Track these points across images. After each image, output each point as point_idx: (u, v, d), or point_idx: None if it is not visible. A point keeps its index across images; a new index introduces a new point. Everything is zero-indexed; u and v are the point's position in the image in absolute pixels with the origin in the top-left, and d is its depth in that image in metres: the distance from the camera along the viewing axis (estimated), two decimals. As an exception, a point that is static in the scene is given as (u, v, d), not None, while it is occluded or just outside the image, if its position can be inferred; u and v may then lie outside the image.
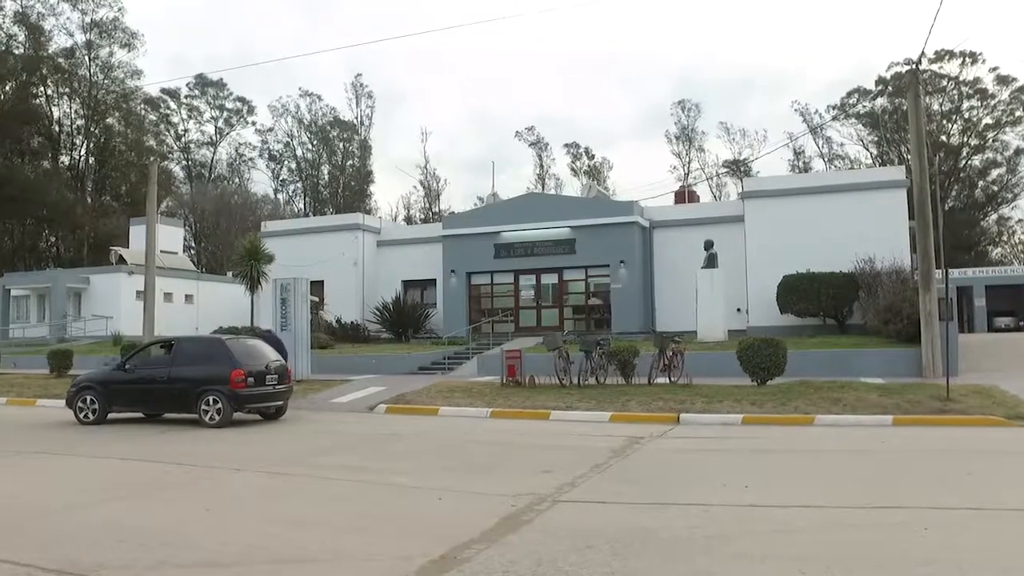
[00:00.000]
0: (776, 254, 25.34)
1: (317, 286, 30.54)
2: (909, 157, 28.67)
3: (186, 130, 69.32)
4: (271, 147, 71.20)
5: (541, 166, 71.33)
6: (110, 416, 14.11)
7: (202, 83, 66.95)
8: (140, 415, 14.63)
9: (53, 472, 9.29)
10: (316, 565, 5.25)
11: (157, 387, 13.67)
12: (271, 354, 14.48)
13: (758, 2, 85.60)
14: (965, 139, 59.22)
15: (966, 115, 58.66)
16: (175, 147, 69.07)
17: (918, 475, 8.24)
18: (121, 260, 39.75)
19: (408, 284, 33.23)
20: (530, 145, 71.24)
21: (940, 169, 51.91)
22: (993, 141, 58.70)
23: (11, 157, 56.89)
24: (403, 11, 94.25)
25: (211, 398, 13.12)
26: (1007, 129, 57.98)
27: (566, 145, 72.11)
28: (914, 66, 22.00)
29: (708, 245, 24.41)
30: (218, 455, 10.16)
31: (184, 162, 70.18)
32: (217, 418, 13.04)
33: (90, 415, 13.91)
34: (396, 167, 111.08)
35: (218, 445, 11.20)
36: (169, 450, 10.71)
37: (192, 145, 70.17)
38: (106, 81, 59.81)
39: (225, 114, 69.76)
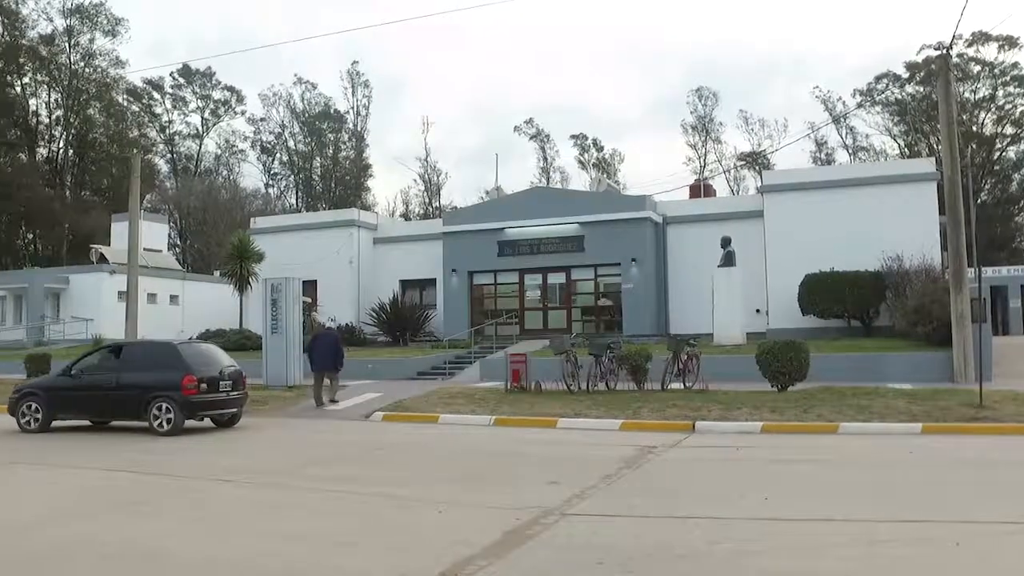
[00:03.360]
0: (797, 251, 25.27)
1: (310, 286, 30.51)
2: (939, 148, 28.58)
3: (170, 121, 69.49)
4: (263, 138, 71.35)
5: (545, 159, 71.17)
6: (54, 424, 14.07)
7: (187, 71, 67.04)
8: (87, 423, 14.63)
9: (10, 484, 9.28)
10: (309, 582, 5.25)
11: (104, 394, 13.70)
12: (224, 359, 14.67)
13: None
14: (999, 129, 58.96)
15: (1001, 103, 58.40)
16: (159, 139, 69.20)
17: (949, 487, 8.20)
18: (102, 259, 39.83)
19: (406, 284, 33.20)
20: (531, 139, 71.06)
21: (973, 161, 51.63)
22: (1029, 132, 58.41)
23: (-15, 150, 57.14)
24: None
25: (162, 405, 13.15)
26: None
27: (573, 136, 71.12)
28: (945, 51, 21.92)
29: (725, 242, 24.37)
30: (198, 465, 10.15)
31: (168, 155, 70.30)
32: (167, 426, 13.07)
33: (32, 423, 13.90)
34: (394, 159, 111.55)
35: (196, 454, 11.21)
36: (144, 460, 10.63)
37: (177, 137, 70.35)
38: (87, 70, 59.93)
39: (212, 104, 69.83)
